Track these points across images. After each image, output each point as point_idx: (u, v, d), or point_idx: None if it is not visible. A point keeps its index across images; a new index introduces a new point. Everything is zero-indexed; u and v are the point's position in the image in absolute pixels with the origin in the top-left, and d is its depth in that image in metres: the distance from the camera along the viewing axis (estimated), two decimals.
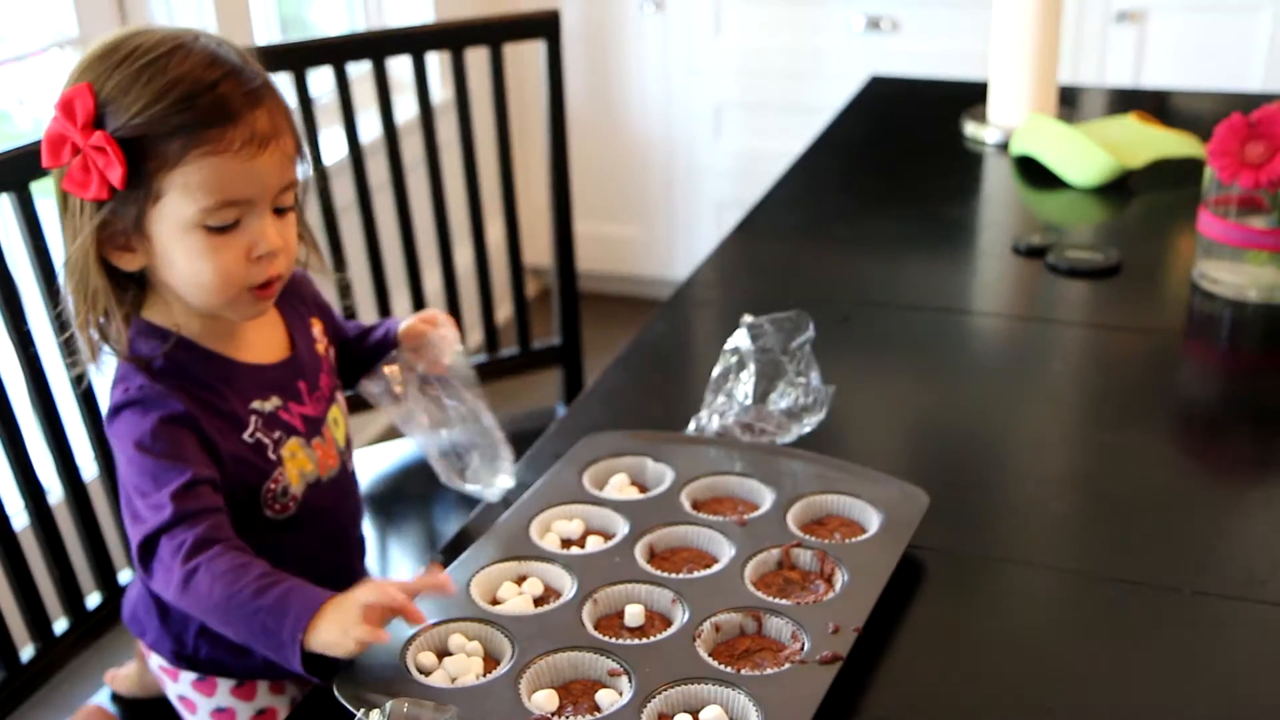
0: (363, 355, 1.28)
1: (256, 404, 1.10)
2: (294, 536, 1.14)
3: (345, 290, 1.65)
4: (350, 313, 1.81)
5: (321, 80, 2.00)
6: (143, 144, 0.97)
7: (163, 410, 1.03)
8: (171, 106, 0.96)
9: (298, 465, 1.13)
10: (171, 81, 0.97)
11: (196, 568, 0.97)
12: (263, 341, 1.14)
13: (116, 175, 0.97)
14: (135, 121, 0.97)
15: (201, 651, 1.20)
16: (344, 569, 1.26)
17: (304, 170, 1.07)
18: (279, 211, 1.04)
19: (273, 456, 1.10)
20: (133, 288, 1.07)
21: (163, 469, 1.01)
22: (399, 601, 0.90)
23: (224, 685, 1.24)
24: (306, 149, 1.09)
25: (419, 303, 1.89)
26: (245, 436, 1.08)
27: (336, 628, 0.90)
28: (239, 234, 1.01)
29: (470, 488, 1.15)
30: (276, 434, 1.11)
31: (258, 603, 0.93)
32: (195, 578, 0.97)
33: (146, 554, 1.01)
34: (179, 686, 1.25)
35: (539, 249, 2.83)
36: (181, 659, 1.21)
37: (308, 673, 0.92)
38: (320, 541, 1.20)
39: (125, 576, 1.48)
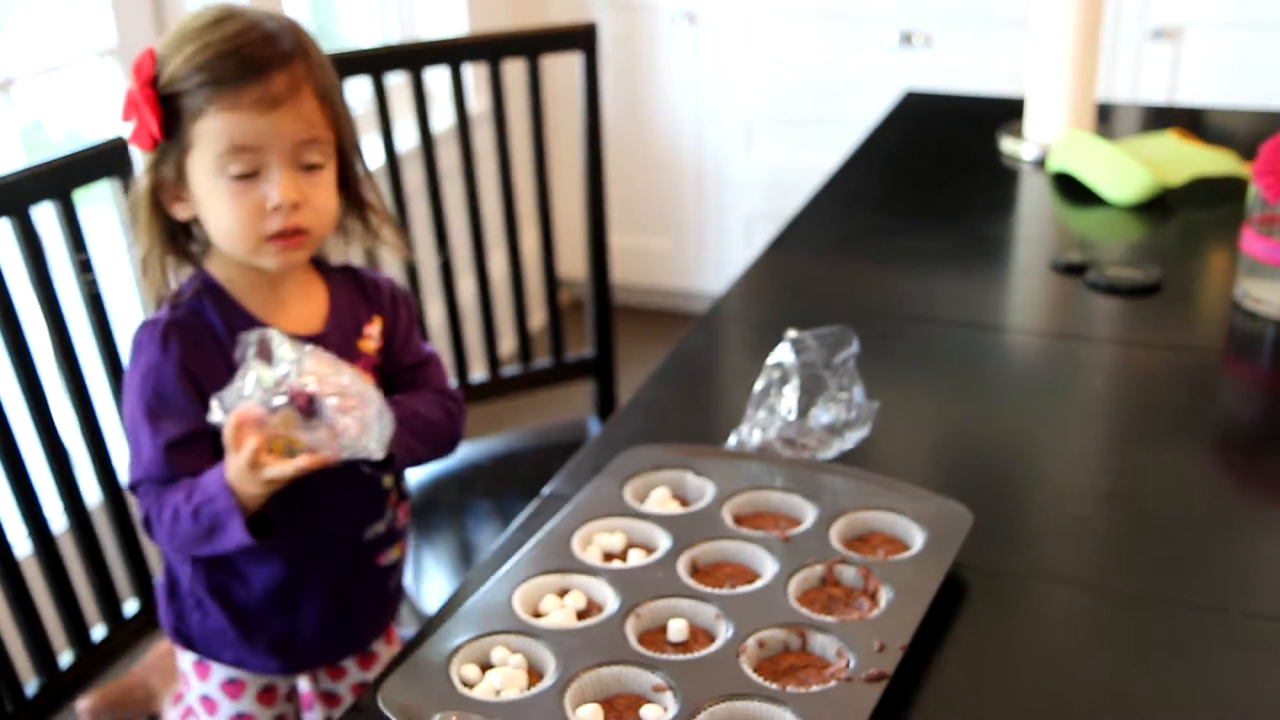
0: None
1: None
2: (276, 510, 1.13)
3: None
4: None
5: (359, 90, 2.01)
6: (177, 99, 1.09)
7: (167, 334, 1.14)
8: (201, 64, 1.08)
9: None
10: (208, 42, 1.08)
11: (151, 518, 1.15)
12: (298, 312, 1.20)
13: (154, 125, 1.09)
14: (173, 78, 1.09)
15: (194, 629, 1.27)
16: (348, 574, 1.27)
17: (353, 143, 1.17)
18: (306, 169, 1.12)
19: None
20: (192, 242, 1.18)
21: (162, 413, 1.14)
22: (251, 415, 1.03)
23: (217, 675, 1.30)
24: (348, 116, 1.16)
25: (453, 310, 1.90)
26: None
27: (249, 486, 1.06)
28: (256, 184, 1.10)
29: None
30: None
31: (195, 523, 1.11)
32: (154, 527, 1.15)
33: (134, 489, 1.17)
34: (183, 663, 1.31)
35: (571, 260, 2.84)
36: (180, 635, 1.28)
37: (255, 536, 1.10)
38: (311, 524, 1.21)
39: (130, 608, 1.47)
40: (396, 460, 1.17)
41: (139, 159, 1.15)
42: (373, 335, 1.25)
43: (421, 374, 1.28)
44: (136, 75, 1.10)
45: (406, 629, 1.47)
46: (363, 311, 1.25)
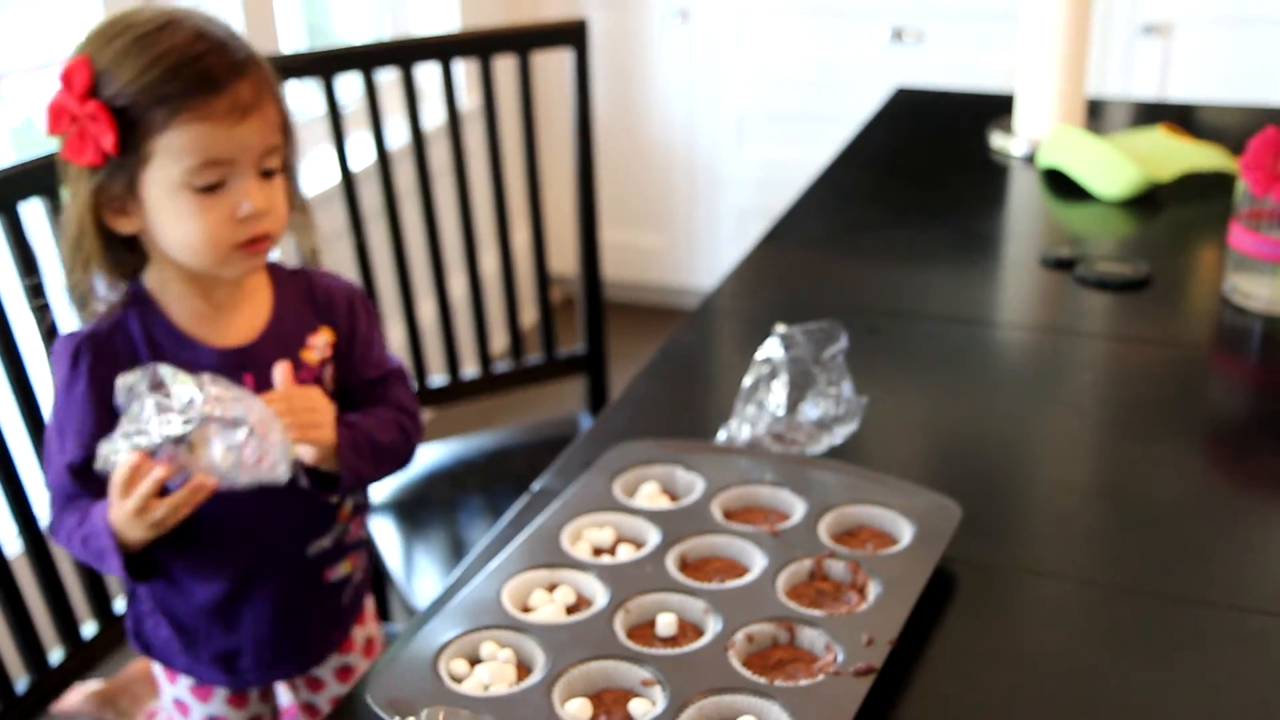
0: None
1: None
2: (199, 521, 1.12)
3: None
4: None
5: (350, 86, 2.01)
6: (133, 112, 1.04)
7: (78, 352, 1.12)
8: (160, 77, 1.04)
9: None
10: (160, 53, 1.04)
11: (58, 528, 1.16)
12: (231, 322, 1.17)
13: (109, 141, 1.04)
14: (126, 90, 1.04)
15: (149, 636, 1.28)
16: (292, 590, 1.26)
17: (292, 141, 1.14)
18: (266, 175, 1.10)
19: None
20: (130, 255, 1.14)
21: (67, 432, 1.14)
22: (134, 466, 1.02)
23: (183, 679, 1.30)
24: (293, 119, 1.15)
25: (444, 307, 1.90)
26: None
27: (134, 531, 1.07)
28: (224, 195, 1.08)
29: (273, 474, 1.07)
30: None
31: (84, 549, 1.12)
32: (57, 535, 1.16)
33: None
34: (155, 666, 1.32)
35: (562, 257, 2.84)
36: (139, 640, 1.29)
37: (133, 576, 1.12)
38: (249, 541, 1.20)
39: (121, 605, 1.45)
40: (342, 481, 1.16)
41: (69, 172, 1.09)
42: (317, 346, 1.22)
43: (382, 389, 1.26)
44: (68, 86, 1.05)
45: (396, 624, 1.47)
46: (309, 321, 1.22)
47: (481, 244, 1.94)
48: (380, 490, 1.81)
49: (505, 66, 1.92)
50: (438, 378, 1.93)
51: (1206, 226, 1.64)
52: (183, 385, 1.02)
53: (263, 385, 1.15)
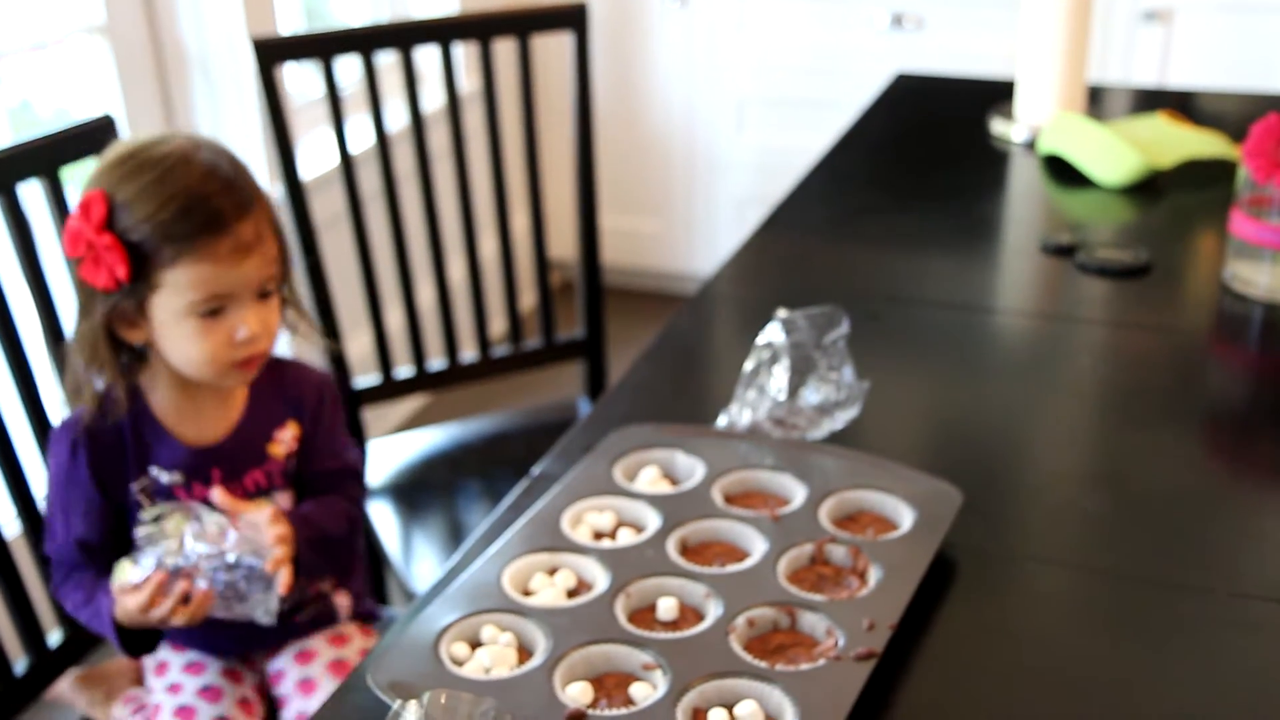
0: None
1: (155, 470, 1.26)
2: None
3: (337, 359, 1.74)
4: (374, 299, 1.81)
5: (349, 69, 2.00)
6: (145, 247, 1.14)
7: (75, 443, 1.23)
8: (171, 217, 1.13)
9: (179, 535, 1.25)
10: (172, 195, 1.14)
11: (62, 593, 1.28)
12: (207, 420, 1.28)
13: (122, 271, 1.14)
14: (139, 227, 1.14)
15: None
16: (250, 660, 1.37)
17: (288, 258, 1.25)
18: (263, 295, 1.20)
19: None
20: (136, 360, 1.25)
21: (73, 513, 1.25)
22: (159, 582, 1.17)
23: (175, 661, 1.35)
24: (289, 247, 1.25)
25: (443, 291, 1.89)
26: (134, 487, 1.25)
27: (135, 620, 1.20)
28: (224, 320, 1.18)
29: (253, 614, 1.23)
30: (160, 501, 1.25)
31: (88, 621, 1.25)
32: (60, 595, 1.28)
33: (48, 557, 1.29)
34: (146, 662, 1.38)
35: (561, 242, 2.84)
36: None
37: (130, 653, 1.25)
38: (215, 623, 1.25)
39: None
40: (298, 577, 1.24)
41: (85, 290, 1.19)
42: (284, 440, 1.31)
43: (335, 481, 1.35)
44: (86, 217, 1.14)
45: (394, 608, 1.47)
46: (278, 416, 1.31)
47: (480, 228, 1.94)
48: (378, 474, 1.81)
49: (505, 49, 1.92)
50: (436, 361, 1.92)
51: (1207, 213, 1.64)
52: (216, 520, 1.19)
53: (229, 479, 1.28)
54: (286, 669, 1.36)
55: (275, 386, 1.32)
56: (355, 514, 1.35)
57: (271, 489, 1.31)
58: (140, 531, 1.19)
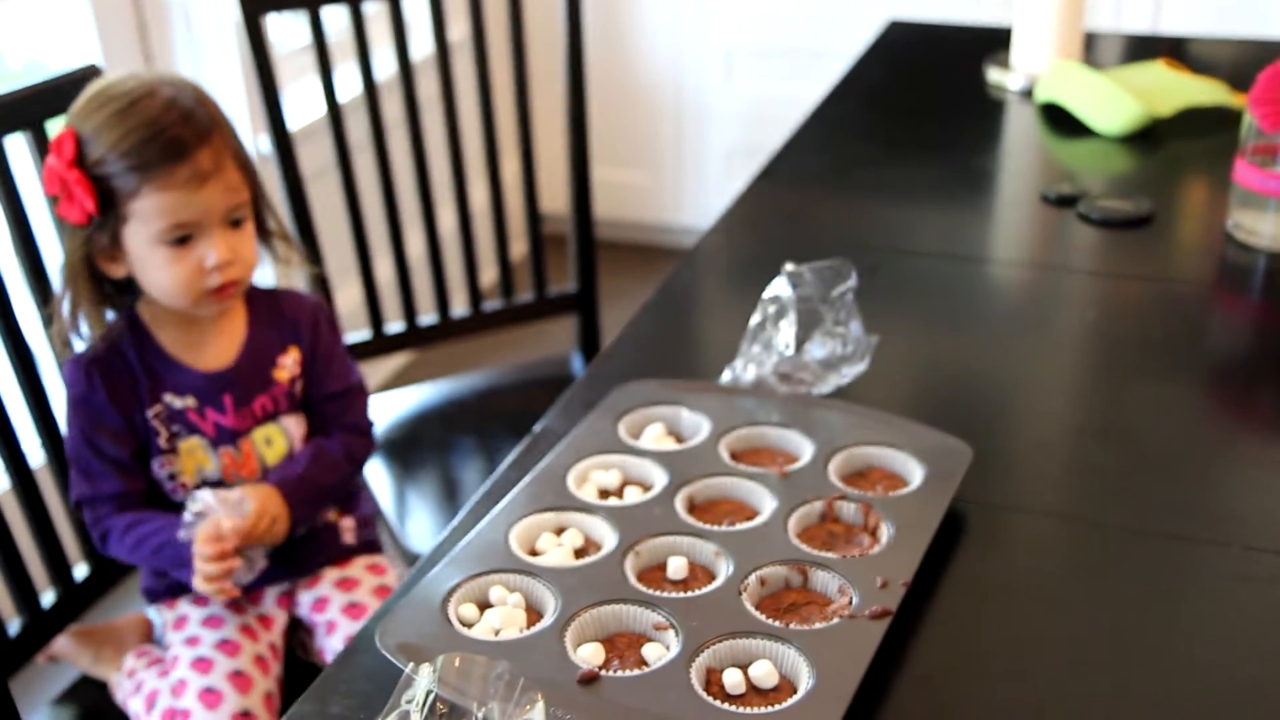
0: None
1: (169, 397, 1.31)
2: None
3: (321, 282, 1.74)
4: (364, 250, 1.79)
5: (336, 18, 1.96)
6: (112, 180, 1.20)
7: (89, 372, 1.28)
8: (131, 147, 1.19)
9: (195, 461, 1.33)
10: (132, 127, 1.19)
11: (108, 532, 1.31)
12: (212, 348, 1.33)
13: (90, 204, 1.20)
14: (104, 159, 1.19)
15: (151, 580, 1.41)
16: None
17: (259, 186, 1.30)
18: (235, 224, 1.25)
19: (164, 445, 1.32)
20: (123, 294, 1.30)
21: (86, 442, 1.29)
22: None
23: (194, 615, 1.37)
24: (257, 172, 1.30)
25: (433, 241, 1.87)
26: (149, 414, 1.31)
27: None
28: (193, 247, 1.23)
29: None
30: (175, 427, 1.32)
31: (156, 555, 1.29)
32: (109, 544, 1.31)
33: (78, 508, 1.33)
34: (158, 621, 1.40)
35: (550, 195, 2.80)
36: (149, 594, 1.41)
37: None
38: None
39: (80, 572, 1.43)
40: (293, 525, 1.31)
41: (64, 227, 1.25)
42: (287, 365, 1.37)
43: (341, 404, 1.40)
44: (58, 154, 1.19)
45: (394, 571, 1.45)
46: (279, 342, 1.36)
47: (471, 178, 1.91)
48: None
49: None
50: (427, 316, 1.90)
51: (1207, 162, 1.62)
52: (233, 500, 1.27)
53: (240, 403, 1.34)
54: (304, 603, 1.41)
55: (273, 314, 1.37)
56: (355, 446, 1.39)
57: (278, 413, 1.36)
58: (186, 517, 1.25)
